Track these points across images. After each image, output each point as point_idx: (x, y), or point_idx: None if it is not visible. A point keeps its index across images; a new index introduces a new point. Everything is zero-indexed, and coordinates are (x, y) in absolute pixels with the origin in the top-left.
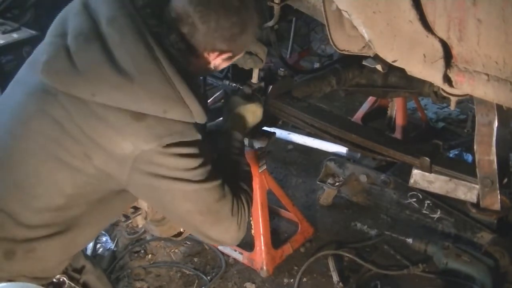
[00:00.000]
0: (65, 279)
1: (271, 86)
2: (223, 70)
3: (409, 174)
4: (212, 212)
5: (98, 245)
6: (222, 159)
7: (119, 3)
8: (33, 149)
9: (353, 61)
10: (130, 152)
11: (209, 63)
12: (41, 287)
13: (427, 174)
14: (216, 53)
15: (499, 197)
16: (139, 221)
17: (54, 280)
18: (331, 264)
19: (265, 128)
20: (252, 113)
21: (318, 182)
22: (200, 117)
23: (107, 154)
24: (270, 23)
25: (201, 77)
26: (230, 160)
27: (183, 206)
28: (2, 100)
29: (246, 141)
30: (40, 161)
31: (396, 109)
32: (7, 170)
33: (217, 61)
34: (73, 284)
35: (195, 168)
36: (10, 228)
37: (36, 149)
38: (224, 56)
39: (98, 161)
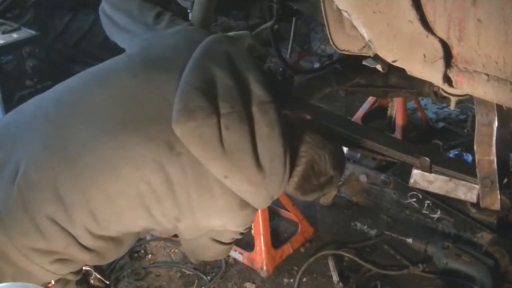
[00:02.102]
0: (91, 270)
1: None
2: None
3: (409, 174)
4: (218, 252)
5: None
6: None
7: (266, 81)
8: (131, 193)
9: (353, 61)
10: (213, 227)
11: None
12: (40, 287)
13: (427, 174)
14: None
15: (499, 197)
16: None
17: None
18: (331, 264)
19: None
20: None
21: None
22: None
23: (194, 223)
24: (270, 23)
25: None
26: None
27: (207, 253)
28: (88, 104)
29: None
30: (130, 206)
31: (396, 109)
32: (90, 199)
33: None
34: (98, 275)
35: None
36: (73, 250)
37: (133, 195)
38: None
39: (183, 224)
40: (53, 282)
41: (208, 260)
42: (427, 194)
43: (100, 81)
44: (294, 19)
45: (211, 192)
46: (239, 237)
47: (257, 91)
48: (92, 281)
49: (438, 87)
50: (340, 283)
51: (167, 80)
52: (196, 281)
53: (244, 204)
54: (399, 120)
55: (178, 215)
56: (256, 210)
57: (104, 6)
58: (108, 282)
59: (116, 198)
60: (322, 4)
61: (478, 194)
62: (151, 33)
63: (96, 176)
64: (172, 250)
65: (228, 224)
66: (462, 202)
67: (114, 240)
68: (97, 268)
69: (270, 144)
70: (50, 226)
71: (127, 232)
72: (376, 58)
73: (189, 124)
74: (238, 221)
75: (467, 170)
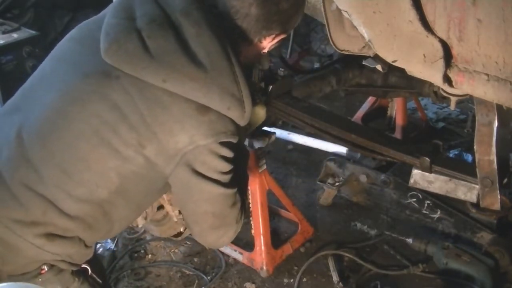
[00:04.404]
0: (88, 268)
1: (271, 86)
2: None
3: (409, 174)
4: (222, 216)
5: (98, 245)
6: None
7: None
8: (86, 132)
9: (353, 61)
10: (183, 147)
11: (263, 48)
12: (40, 287)
13: (427, 174)
14: (272, 36)
15: (499, 197)
16: (139, 221)
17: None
18: (331, 264)
19: (265, 128)
20: (255, 115)
21: (318, 182)
22: (247, 120)
23: (160, 147)
24: None
25: None
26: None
27: (203, 206)
28: (43, 77)
29: (246, 141)
30: (91, 146)
31: (396, 109)
32: (54, 152)
33: (271, 44)
34: (94, 275)
35: (227, 173)
36: (53, 216)
37: (89, 133)
38: (279, 37)
39: (150, 151)
40: (46, 268)
41: (211, 237)
42: (427, 194)
43: (54, 55)
44: None
45: (160, 102)
46: (224, 165)
47: (175, 3)
48: (89, 279)
49: (438, 87)
50: (340, 283)
51: (99, 29)
52: (196, 281)
53: (203, 108)
54: (399, 120)
55: (139, 140)
56: (222, 116)
57: None
58: (100, 281)
59: (75, 142)
60: (322, 4)
61: (478, 194)
62: None
63: (52, 127)
64: (172, 250)
65: (195, 137)
66: (462, 202)
67: (101, 207)
68: (94, 268)
69: (200, 40)
70: (25, 192)
71: (108, 189)
72: (376, 58)
73: (113, 47)
74: (203, 129)
75: (467, 170)
